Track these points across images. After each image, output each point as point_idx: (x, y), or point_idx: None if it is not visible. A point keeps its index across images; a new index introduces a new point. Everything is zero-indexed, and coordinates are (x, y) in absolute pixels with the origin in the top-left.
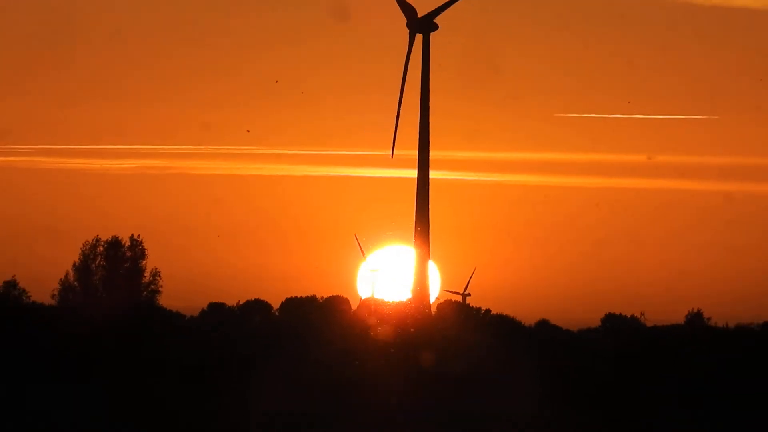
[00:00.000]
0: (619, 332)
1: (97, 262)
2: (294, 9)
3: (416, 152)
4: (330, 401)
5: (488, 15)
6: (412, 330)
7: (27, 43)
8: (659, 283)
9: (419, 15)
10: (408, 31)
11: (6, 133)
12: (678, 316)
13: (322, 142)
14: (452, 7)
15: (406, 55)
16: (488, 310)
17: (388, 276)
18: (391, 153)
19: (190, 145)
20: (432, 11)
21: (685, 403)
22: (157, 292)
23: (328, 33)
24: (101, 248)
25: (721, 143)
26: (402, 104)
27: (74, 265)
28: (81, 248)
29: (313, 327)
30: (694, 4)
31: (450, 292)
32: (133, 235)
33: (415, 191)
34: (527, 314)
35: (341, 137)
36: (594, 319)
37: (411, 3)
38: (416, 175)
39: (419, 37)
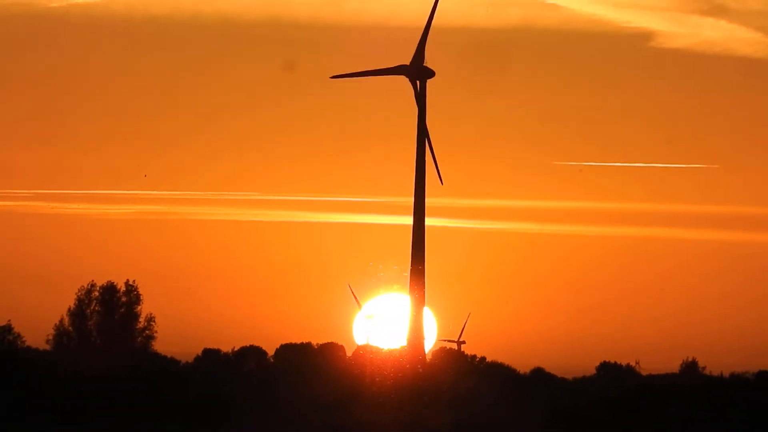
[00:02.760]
0: (614, 380)
1: (92, 307)
2: (292, 54)
3: (412, 199)
4: None
5: (486, 62)
6: (406, 378)
7: (27, 88)
8: (654, 331)
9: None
10: (407, 77)
11: (5, 178)
12: (673, 365)
13: (320, 189)
14: (450, 53)
15: (416, 100)
16: (483, 358)
17: (384, 323)
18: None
19: (189, 190)
20: (415, 54)
21: None
22: (151, 337)
23: (324, 79)
24: (96, 293)
25: (720, 192)
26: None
27: (69, 310)
28: (76, 293)
29: (308, 373)
30: (695, 52)
31: (446, 341)
32: (128, 280)
33: (411, 238)
34: (522, 362)
35: (339, 184)
36: (589, 368)
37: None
38: (412, 222)
39: (414, 83)
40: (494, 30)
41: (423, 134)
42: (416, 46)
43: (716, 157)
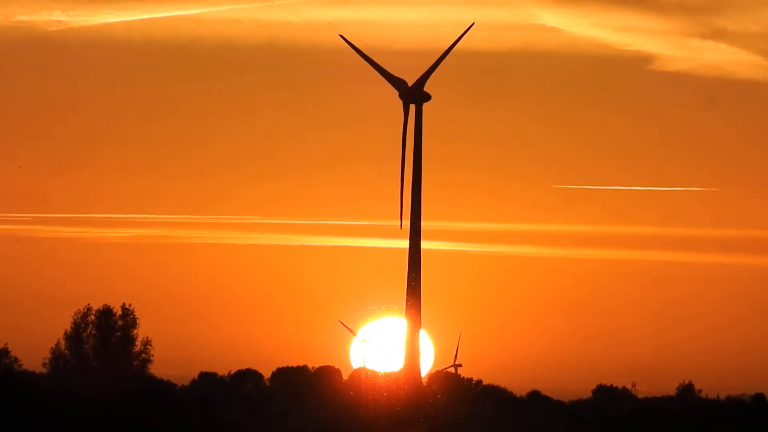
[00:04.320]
0: (610, 403)
1: (89, 330)
2: (291, 78)
3: (408, 222)
4: None
5: (483, 85)
6: (402, 401)
7: (25, 112)
8: (650, 354)
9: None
10: (402, 102)
11: (3, 201)
12: (669, 388)
13: (317, 213)
14: (449, 76)
15: (403, 125)
16: (479, 381)
17: (380, 346)
18: (399, 224)
19: (187, 214)
20: (418, 79)
21: None
22: (148, 361)
23: (322, 102)
24: (93, 317)
25: (718, 215)
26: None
27: (65, 333)
28: (73, 317)
29: (304, 397)
30: (696, 75)
31: (444, 370)
32: (124, 304)
33: (407, 261)
34: (519, 385)
35: (336, 207)
36: (585, 391)
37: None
38: (408, 245)
39: (412, 108)
40: (495, 53)
41: (419, 157)
42: (423, 71)
43: (714, 180)
